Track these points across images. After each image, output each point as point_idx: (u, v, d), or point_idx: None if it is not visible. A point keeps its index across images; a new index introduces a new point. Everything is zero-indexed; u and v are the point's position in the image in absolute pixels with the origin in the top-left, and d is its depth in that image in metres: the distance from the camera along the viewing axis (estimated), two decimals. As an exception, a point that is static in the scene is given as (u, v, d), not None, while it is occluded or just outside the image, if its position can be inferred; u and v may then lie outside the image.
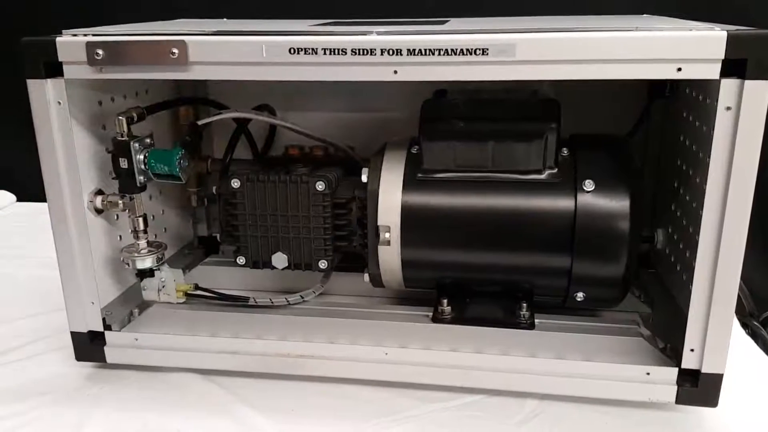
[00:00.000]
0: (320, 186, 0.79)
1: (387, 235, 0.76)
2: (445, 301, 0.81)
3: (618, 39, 0.61)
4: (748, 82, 0.59)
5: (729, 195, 0.62)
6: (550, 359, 0.73)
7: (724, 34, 0.59)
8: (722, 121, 0.61)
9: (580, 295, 0.76)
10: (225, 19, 0.95)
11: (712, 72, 0.60)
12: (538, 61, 0.62)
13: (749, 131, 0.60)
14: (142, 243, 0.81)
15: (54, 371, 0.83)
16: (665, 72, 0.61)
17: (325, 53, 0.64)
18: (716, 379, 0.68)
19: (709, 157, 0.62)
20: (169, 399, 0.77)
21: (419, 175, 0.76)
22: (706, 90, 0.66)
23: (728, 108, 0.60)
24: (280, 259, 0.83)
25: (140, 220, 0.79)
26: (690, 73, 0.60)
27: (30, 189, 1.48)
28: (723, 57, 0.59)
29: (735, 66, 0.59)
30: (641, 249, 0.77)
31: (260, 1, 1.31)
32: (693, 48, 0.60)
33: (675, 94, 0.81)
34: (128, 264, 0.81)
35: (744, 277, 0.83)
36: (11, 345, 0.89)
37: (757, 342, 0.90)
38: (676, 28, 0.61)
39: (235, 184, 0.81)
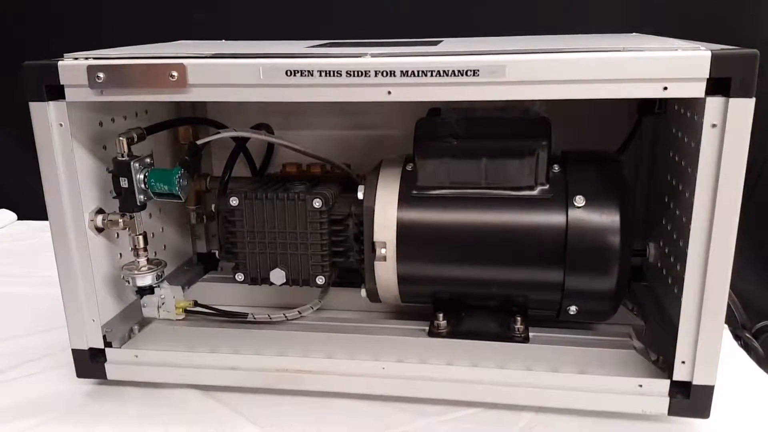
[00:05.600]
0: (317, 203, 0.81)
1: (383, 250, 0.77)
2: (441, 315, 0.82)
3: (605, 60, 0.62)
4: (732, 100, 0.60)
5: (716, 209, 0.63)
6: (545, 372, 0.75)
7: (709, 53, 0.60)
8: (708, 137, 0.62)
9: (573, 309, 0.77)
10: (223, 41, 0.97)
11: (698, 91, 0.61)
12: (528, 82, 0.63)
13: (735, 147, 0.61)
14: (142, 261, 0.82)
15: (55, 388, 0.83)
16: (652, 91, 0.62)
17: (320, 75, 0.66)
18: (707, 391, 0.69)
19: (697, 172, 0.63)
20: (170, 415, 0.78)
21: (414, 191, 0.78)
22: (693, 107, 0.68)
23: (714, 125, 0.62)
24: (278, 276, 0.84)
25: (140, 238, 0.81)
26: (676, 92, 0.62)
27: (30, 207, 1.49)
28: (708, 76, 0.60)
29: (720, 84, 0.60)
30: (633, 263, 0.78)
31: (258, 22, 1.34)
32: (678, 67, 0.61)
33: (664, 110, 0.83)
34: (128, 281, 0.82)
35: (736, 289, 0.84)
36: (12, 362, 0.90)
37: (749, 354, 0.91)
38: (661, 48, 0.63)
39: (234, 201, 0.82)
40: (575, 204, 0.73)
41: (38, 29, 1.45)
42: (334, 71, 0.65)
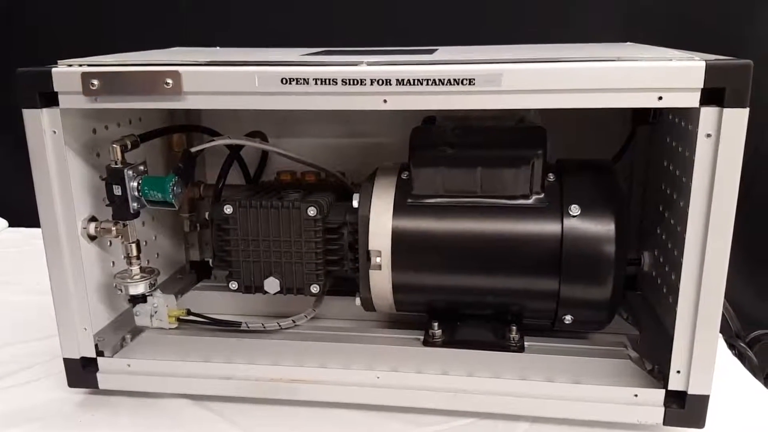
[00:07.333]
0: (312, 211, 0.80)
1: (378, 259, 0.77)
2: (436, 324, 0.81)
3: (600, 69, 0.62)
4: (726, 110, 0.61)
5: (711, 219, 0.63)
6: (540, 382, 0.74)
7: (703, 63, 0.61)
8: (703, 147, 0.62)
9: (568, 318, 0.77)
10: (218, 48, 0.97)
11: (692, 100, 0.62)
12: (524, 91, 0.63)
13: (729, 157, 0.62)
14: (135, 269, 0.81)
15: (46, 397, 0.83)
16: (646, 101, 0.62)
17: (316, 83, 0.66)
18: (702, 401, 0.69)
19: (692, 181, 0.64)
20: (162, 425, 0.77)
21: (409, 200, 0.78)
22: (688, 117, 0.68)
23: (708, 135, 0.62)
24: (272, 284, 0.83)
25: (133, 246, 0.80)
26: (670, 101, 0.62)
27: (22, 214, 1.48)
28: (702, 86, 0.61)
29: (714, 94, 0.61)
30: (628, 272, 0.78)
31: (254, 29, 1.34)
32: (673, 77, 0.61)
33: (658, 120, 0.83)
34: (121, 290, 0.81)
35: (730, 299, 0.84)
36: (3, 371, 0.89)
37: (743, 363, 0.91)
38: (656, 58, 0.63)
39: (228, 209, 0.82)
40: (570, 213, 0.73)
41: (38, 34, 1.45)
42: (329, 79, 0.65)
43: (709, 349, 0.67)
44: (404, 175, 0.79)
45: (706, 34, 1.16)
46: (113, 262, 0.84)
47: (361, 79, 0.65)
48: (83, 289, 0.77)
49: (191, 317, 0.86)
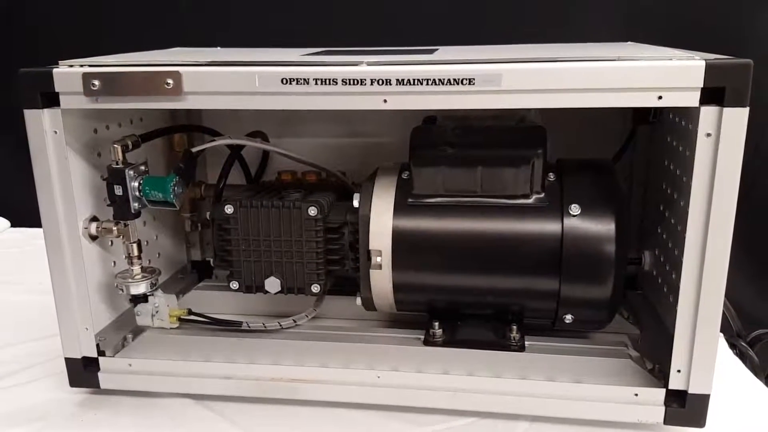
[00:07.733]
0: (312, 211, 0.80)
1: (378, 259, 0.77)
2: (437, 324, 0.82)
3: (600, 69, 0.62)
4: (726, 110, 0.61)
5: (711, 218, 0.64)
6: (540, 381, 0.74)
7: (703, 63, 0.61)
8: (703, 146, 0.63)
9: (568, 318, 0.77)
10: (218, 48, 0.97)
11: (692, 100, 0.62)
12: (524, 91, 0.63)
13: (729, 156, 0.62)
14: (136, 269, 0.81)
15: (47, 397, 0.83)
16: (647, 100, 0.62)
17: (316, 83, 0.66)
18: (703, 400, 0.69)
19: (692, 181, 0.64)
20: (163, 424, 0.77)
21: (410, 200, 0.78)
22: (688, 116, 0.68)
23: (708, 134, 0.62)
24: (273, 284, 0.83)
25: (134, 246, 0.80)
26: (670, 101, 0.62)
27: (24, 214, 1.48)
28: (702, 86, 0.61)
29: (714, 94, 0.61)
30: (629, 271, 0.78)
31: (254, 29, 1.34)
32: (673, 77, 0.61)
33: (659, 119, 0.83)
34: (122, 290, 0.81)
35: (731, 298, 0.84)
36: (4, 371, 0.89)
37: (744, 362, 0.91)
38: (656, 58, 0.63)
39: (229, 209, 0.82)
40: (571, 212, 0.73)
41: (38, 34, 1.45)
42: (329, 79, 0.65)
43: (710, 349, 0.67)
44: (405, 175, 0.79)
45: (706, 34, 1.16)
46: (114, 262, 0.84)
47: (361, 79, 0.65)
48: (84, 288, 0.77)
49: (192, 317, 0.86)
